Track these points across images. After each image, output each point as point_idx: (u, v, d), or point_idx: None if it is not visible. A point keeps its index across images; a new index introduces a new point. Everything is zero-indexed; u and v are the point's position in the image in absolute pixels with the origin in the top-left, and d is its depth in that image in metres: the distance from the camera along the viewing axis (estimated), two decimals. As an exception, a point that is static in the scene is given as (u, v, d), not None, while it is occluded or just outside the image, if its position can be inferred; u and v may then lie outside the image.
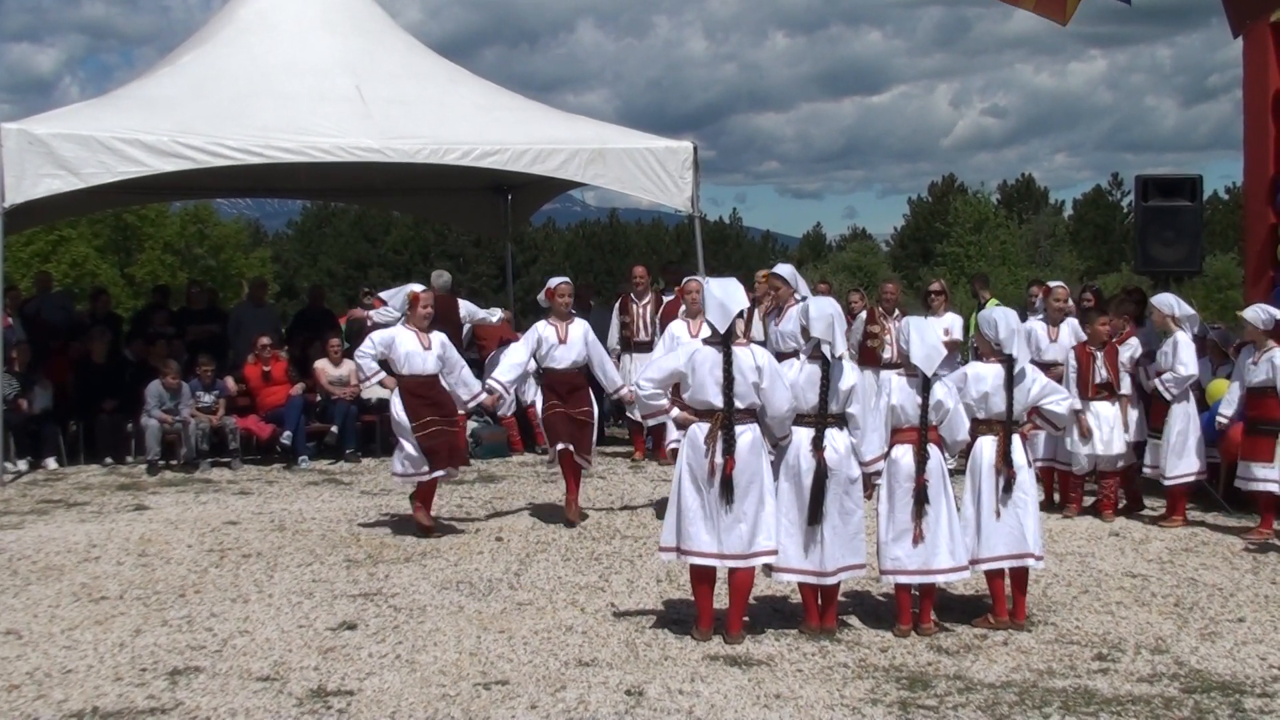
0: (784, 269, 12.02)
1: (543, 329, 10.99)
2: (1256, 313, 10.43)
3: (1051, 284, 12.20)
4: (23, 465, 13.90)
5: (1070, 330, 11.75)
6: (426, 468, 10.51)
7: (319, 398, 14.94)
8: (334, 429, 14.77)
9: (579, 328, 11.07)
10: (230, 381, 14.90)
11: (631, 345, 14.67)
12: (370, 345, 10.64)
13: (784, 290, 11.64)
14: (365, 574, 9.12)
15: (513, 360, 10.97)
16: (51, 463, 14.18)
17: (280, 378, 14.92)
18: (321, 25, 15.97)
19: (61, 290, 25.33)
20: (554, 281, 11.18)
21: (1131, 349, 11.27)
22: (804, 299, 11.08)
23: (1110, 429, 11.00)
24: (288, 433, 14.45)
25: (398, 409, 10.57)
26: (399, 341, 10.57)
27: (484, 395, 11.05)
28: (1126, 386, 11.09)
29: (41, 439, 14.28)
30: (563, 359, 10.94)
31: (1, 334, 13.48)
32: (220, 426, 14.35)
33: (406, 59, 16.37)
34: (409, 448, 10.49)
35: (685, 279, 11.88)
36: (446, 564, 9.44)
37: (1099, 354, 11.07)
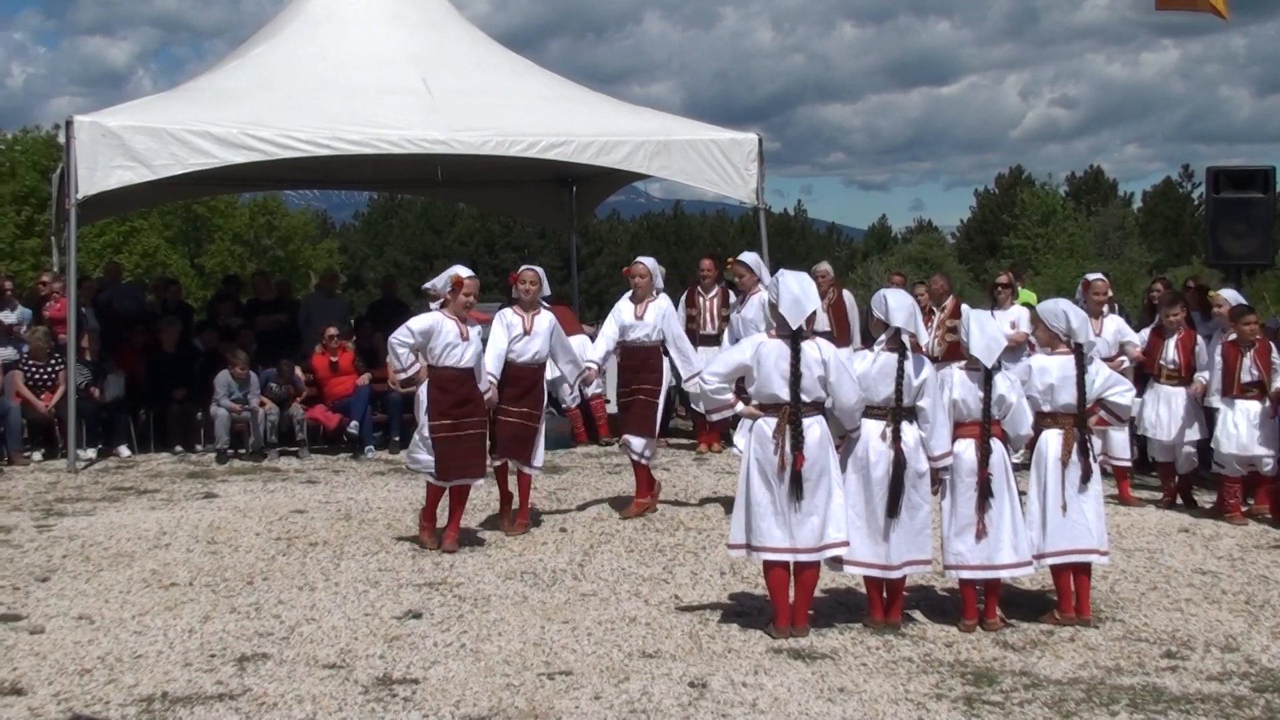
0: (748, 256, 11.50)
1: (509, 316, 10.39)
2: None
3: (1090, 276, 11.84)
4: (93, 453, 14.11)
5: (1114, 325, 11.52)
6: (434, 471, 9.70)
7: (386, 387, 15.00)
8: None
9: (545, 320, 10.47)
10: (299, 373, 15.00)
11: (696, 338, 14.58)
12: (408, 334, 9.55)
13: (748, 278, 11.22)
14: (430, 563, 9.18)
15: (495, 349, 10.28)
16: (123, 450, 14.37)
17: (347, 368, 15.02)
18: (388, 18, 16.11)
19: (132, 280, 25.67)
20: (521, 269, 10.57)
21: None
22: (766, 287, 10.90)
23: (1251, 428, 10.55)
24: (354, 422, 14.56)
25: (423, 402, 9.77)
26: (439, 331, 9.55)
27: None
28: None
29: (113, 427, 14.49)
30: (523, 352, 10.30)
31: (75, 323, 13.65)
32: (288, 415, 14.47)
33: (472, 51, 16.44)
34: (424, 445, 9.71)
35: (635, 261, 11.57)
36: (511, 554, 9.48)
37: (1248, 352, 10.60)
